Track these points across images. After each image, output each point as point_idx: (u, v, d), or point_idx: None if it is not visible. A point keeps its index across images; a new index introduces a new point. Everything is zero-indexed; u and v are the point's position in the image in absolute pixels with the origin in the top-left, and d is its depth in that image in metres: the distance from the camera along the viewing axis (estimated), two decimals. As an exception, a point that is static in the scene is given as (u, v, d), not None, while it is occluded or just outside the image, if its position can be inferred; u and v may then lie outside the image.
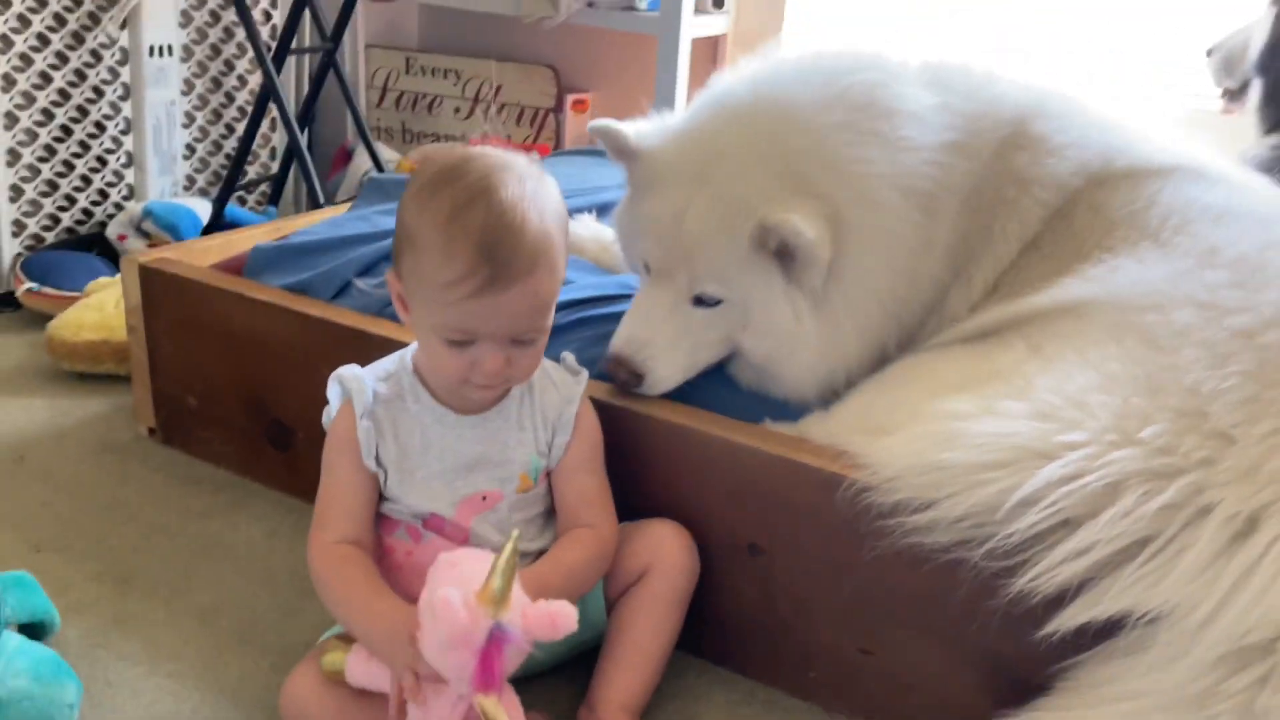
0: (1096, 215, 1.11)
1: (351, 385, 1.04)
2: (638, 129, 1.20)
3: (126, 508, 1.41)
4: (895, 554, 1.01)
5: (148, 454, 1.54)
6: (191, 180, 2.36)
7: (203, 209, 2.19)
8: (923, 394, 1.05)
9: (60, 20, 2.00)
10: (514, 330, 0.97)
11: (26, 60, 1.97)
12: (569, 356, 1.12)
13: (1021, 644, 0.97)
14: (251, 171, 2.42)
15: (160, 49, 2.16)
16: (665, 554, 1.09)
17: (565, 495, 1.08)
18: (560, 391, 1.08)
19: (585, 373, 1.11)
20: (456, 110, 2.79)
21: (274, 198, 2.35)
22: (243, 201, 2.41)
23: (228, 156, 2.42)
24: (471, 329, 0.96)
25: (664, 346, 1.15)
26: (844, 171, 1.11)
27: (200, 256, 1.55)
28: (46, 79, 2.01)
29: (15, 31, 1.93)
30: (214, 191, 2.33)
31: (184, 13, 2.21)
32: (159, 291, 1.48)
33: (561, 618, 0.87)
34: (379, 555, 1.05)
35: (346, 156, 2.75)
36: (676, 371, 1.16)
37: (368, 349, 1.24)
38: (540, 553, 1.06)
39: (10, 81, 1.95)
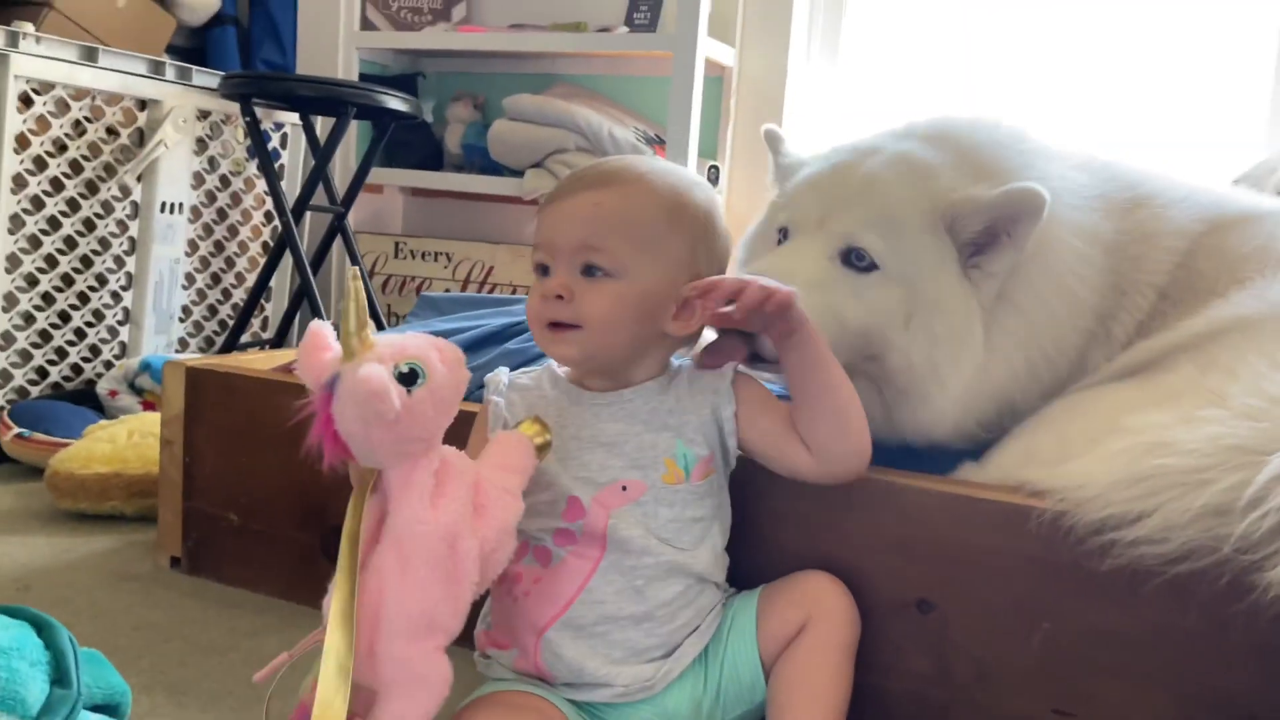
0: (1221, 256, 1.12)
1: (489, 378, 1.04)
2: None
3: (161, 629, 1.22)
4: (1099, 589, 0.93)
5: (173, 582, 1.37)
6: (184, 343, 2.25)
7: (202, 365, 2.09)
8: (1096, 424, 1.00)
9: (77, 167, 1.96)
10: (576, 238, 0.92)
11: (38, 203, 1.90)
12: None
13: (1262, 679, 0.89)
14: (245, 337, 2.33)
15: (171, 206, 2.12)
16: (824, 601, 0.98)
17: (781, 420, 0.96)
18: (708, 378, 0.99)
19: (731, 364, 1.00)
20: (447, 290, 2.79)
21: (277, 343, 2.26)
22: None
23: (222, 323, 2.33)
24: (545, 239, 0.94)
25: (806, 284, 0.96)
26: (1026, 177, 1.05)
27: (251, 365, 1.44)
28: (55, 225, 1.94)
29: (30, 173, 1.87)
30: (208, 355, 2.24)
31: (197, 174, 2.20)
32: (208, 397, 1.36)
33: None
34: (503, 590, 0.95)
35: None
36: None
37: (453, 427, 1.14)
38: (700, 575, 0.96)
39: (19, 223, 1.87)
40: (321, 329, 0.82)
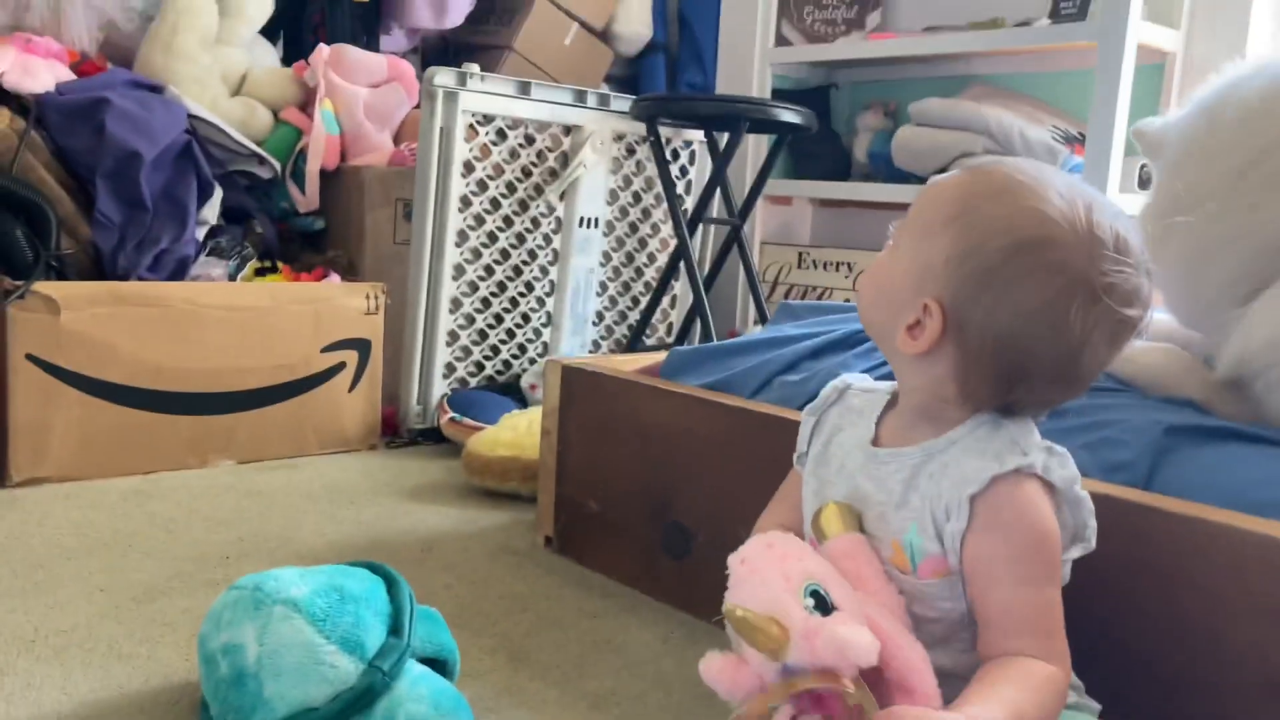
0: None
1: (831, 384, 0.94)
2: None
3: (521, 600, 1.36)
4: None
5: (543, 559, 1.51)
6: (596, 345, 2.47)
7: (607, 365, 2.28)
8: None
9: (511, 188, 2.23)
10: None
11: (479, 220, 2.20)
12: (1059, 451, 0.80)
13: None
14: (650, 342, 2.50)
15: (589, 221, 2.34)
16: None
17: (981, 610, 0.78)
18: (978, 462, 0.78)
19: (1039, 457, 0.77)
20: (846, 300, 2.77)
21: (677, 345, 2.40)
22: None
23: (632, 328, 2.53)
24: None
25: None
26: None
27: (618, 366, 1.56)
28: (493, 239, 2.23)
29: (474, 194, 2.17)
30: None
31: (611, 190, 2.41)
32: (577, 391, 1.49)
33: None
34: None
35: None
36: None
37: (784, 437, 1.13)
38: (948, 672, 0.78)
39: (464, 238, 2.18)
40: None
